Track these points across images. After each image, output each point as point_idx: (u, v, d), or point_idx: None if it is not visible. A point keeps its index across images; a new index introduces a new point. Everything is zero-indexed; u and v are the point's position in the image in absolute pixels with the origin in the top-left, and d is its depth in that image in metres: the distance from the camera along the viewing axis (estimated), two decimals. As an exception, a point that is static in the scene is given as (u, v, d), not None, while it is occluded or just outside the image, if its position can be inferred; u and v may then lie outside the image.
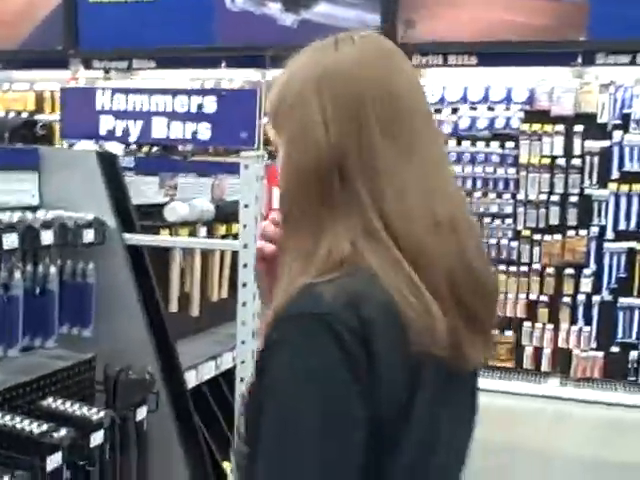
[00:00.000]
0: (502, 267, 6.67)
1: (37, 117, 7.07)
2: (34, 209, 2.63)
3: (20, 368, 2.43)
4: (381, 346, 0.95)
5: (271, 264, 1.15)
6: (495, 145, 6.67)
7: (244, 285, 2.56)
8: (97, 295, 2.64)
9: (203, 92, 2.93)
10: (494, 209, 6.74)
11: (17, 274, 2.35)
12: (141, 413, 2.58)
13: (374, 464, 0.97)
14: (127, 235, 2.73)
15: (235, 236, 2.86)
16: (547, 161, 6.52)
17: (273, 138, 1.12)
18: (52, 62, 7.30)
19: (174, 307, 3.07)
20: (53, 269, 2.48)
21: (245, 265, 2.55)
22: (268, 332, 0.98)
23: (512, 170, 6.64)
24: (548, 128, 6.49)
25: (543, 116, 6.48)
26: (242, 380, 2.53)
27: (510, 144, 6.61)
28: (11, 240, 2.30)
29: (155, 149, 4.14)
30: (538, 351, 6.63)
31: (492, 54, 6.34)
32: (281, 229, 1.10)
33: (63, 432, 2.19)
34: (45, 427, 2.20)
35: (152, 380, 2.63)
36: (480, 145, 6.71)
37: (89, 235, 2.61)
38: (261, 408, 0.96)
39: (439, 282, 1.01)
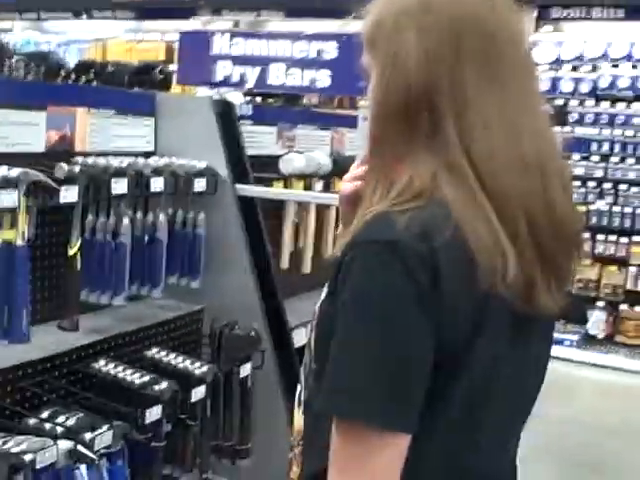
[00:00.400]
0: (637, 238, 6.28)
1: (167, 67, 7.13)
2: (149, 155, 2.58)
3: (126, 317, 2.40)
4: (447, 276, 0.95)
5: (354, 205, 1.16)
6: (637, 106, 6.22)
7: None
8: (206, 247, 2.57)
9: (323, 37, 2.75)
10: (632, 175, 6.32)
11: (126, 221, 2.29)
12: (246, 370, 2.52)
13: (435, 390, 0.99)
14: (239, 186, 2.64)
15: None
16: (695, 126, 6.04)
17: (367, 64, 1.12)
18: (182, 12, 7.30)
19: (285, 263, 2.97)
20: (162, 217, 2.42)
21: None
22: (343, 254, 1.00)
23: (655, 134, 6.18)
24: (698, 90, 6.00)
25: (693, 76, 5.99)
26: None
27: (654, 106, 6.15)
28: (120, 186, 2.24)
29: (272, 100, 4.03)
30: (671, 329, 6.22)
31: (640, 7, 5.87)
32: (367, 159, 1.11)
33: (164, 385, 2.15)
34: (147, 378, 2.16)
35: (258, 337, 2.55)
36: (620, 106, 6.28)
37: (200, 184, 2.53)
38: (334, 326, 0.99)
39: (518, 222, 1.00)
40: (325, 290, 1.08)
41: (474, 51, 1.03)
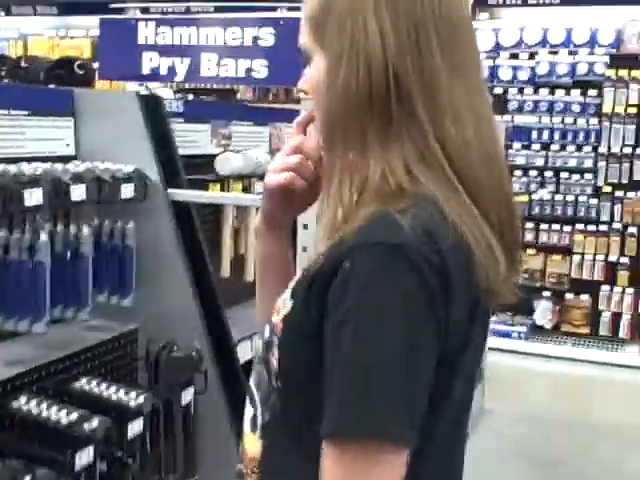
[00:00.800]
0: (580, 226, 6.24)
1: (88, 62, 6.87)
2: (69, 159, 2.34)
3: (49, 344, 2.14)
4: (456, 279, 0.93)
5: (282, 199, 1.14)
6: (576, 93, 6.17)
7: (304, 249, 2.22)
8: (138, 259, 2.36)
9: (258, 22, 2.51)
10: (572, 163, 6.27)
11: (43, 236, 2.04)
12: (188, 395, 2.30)
13: (434, 394, 0.95)
14: (172, 190, 2.44)
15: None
16: (634, 110, 6.02)
17: (308, 47, 1.04)
18: (108, 8, 7.00)
19: (226, 272, 2.75)
20: (86, 229, 2.20)
21: (305, 226, 2.22)
22: (335, 260, 0.92)
23: (594, 120, 6.14)
24: (636, 74, 5.97)
25: (631, 61, 5.96)
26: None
27: (593, 92, 6.12)
28: (35, 196, 1.98)
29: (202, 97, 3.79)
30: (616, 317, 6.19)
31: (576, -8, 5.82)
32: (324, 153, 1.06)
33: (96, 422, 1.91)
34: (75, 416, 1.91)
35: (200, 357, 2.33)
36: (560, 93, 6.22)
37: (128, 190, 2.31)
38: (335, 338, 0.92)
39: (491, 215, 0.99)
40: (288, 302, 0.99)
41: (440, 33, 0.98)
